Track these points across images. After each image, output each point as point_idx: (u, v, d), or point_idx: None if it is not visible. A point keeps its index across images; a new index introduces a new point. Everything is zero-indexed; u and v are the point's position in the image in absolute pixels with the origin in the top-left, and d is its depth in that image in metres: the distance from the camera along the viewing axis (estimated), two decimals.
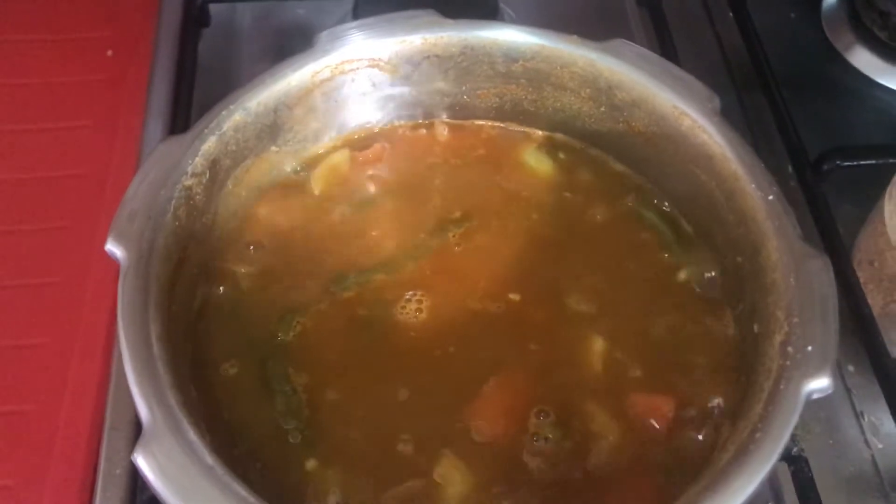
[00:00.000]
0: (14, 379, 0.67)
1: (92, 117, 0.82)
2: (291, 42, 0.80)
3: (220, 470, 0.38)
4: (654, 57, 0.52)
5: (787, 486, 0.51)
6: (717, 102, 0.50)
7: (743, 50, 0.75)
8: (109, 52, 0.88)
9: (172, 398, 0.39)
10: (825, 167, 0.62)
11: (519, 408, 0.45)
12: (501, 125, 0.57)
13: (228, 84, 0.78)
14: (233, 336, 0.48)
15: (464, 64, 0.54)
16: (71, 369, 0.66)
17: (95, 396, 0.65)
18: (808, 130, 0.66)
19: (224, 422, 0.45)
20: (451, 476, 0.43)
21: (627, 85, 0.51)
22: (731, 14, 0.79)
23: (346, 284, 0.49)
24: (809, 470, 0.50)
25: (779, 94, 0.68)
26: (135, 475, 0.55)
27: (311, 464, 0.45)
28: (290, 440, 0.45)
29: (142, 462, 0.38)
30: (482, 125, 0.57)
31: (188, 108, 0.75)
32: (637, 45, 0.52)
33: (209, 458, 0.38)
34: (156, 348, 0.41)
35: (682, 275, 0.51)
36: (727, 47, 0.78)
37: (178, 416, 0.39)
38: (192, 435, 0.38)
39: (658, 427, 0.46)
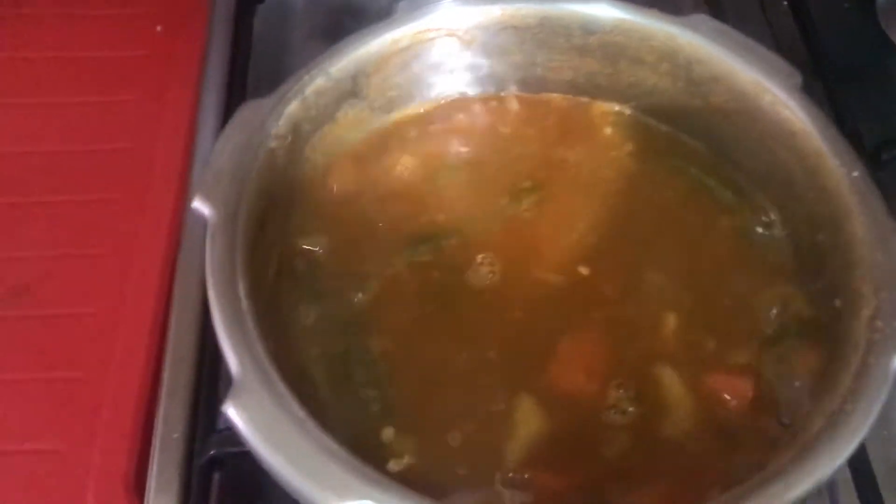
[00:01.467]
0: (63, 347, 0.68)
1: (141, 92, 0.83)
2: (344, 20, 0.80)
3: (311, 423, 0.38)
4: (735, 33, 0.51)
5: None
6: (798, 79, 0.49)
7: (797, 39, 0.75)
8: (159, 28, 0.88)
9: (262, 351, 0.39)
10: (883, 157, 0.62)
11: (596, 377, 0.45)
12: (574, 98, 0.57)
13: (281, 62, 0.78)
14: (309, 300, 0.48)
15: (540, 36, 0.54)
16: (119, 338, 0.67)
17: (143, 366, 0.66)
18: (863, 121, 0.66)
19: (304, 383, 0.45)
20: (528, 421, 0.43)
21: (707, 60, 0.51)
22: (784, 2, 0.79)
23: (420, 249, 0.50)
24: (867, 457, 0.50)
25: (834, 83, 0.68)
26: (192, 439, 0.56)
27: (388, 431, 0.44)
28: (369, 408, 0.45)
29: (233, 413, 0.38)
30: (554, 98, 0.57)
31: (243, 83, 0.75)
32: (717, 21, 0.52)
33: (300, 411, 0.38)
34: (244, 303, 0.41)
35: (757, 251, 0.51)
36: (780, 35, 0.78)
37: (268, 369, 0.39)
38: (282, 388, 0.39)
39: (735, 404, 0.46)
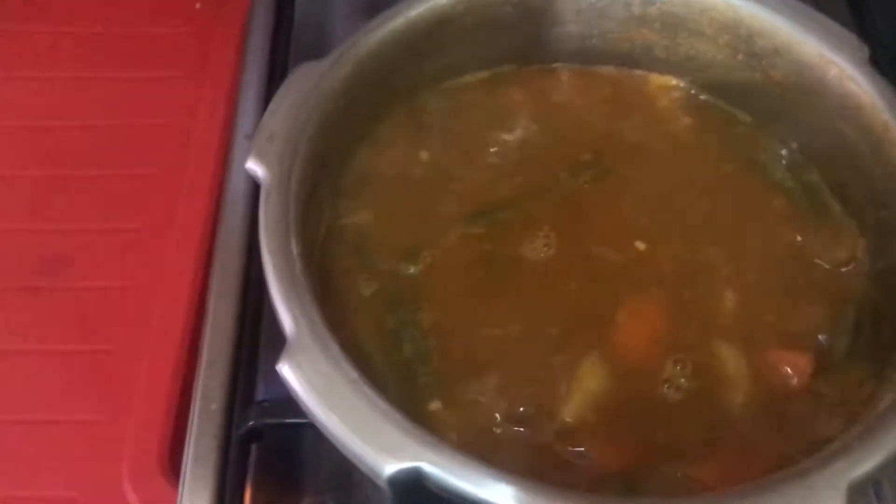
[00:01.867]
0: (99, 319, 0.68)
1: (181, 68, 0.84)
2: None
3: (365, 384, 0.37)
4: (799, 4, 0.50)
5: None
6: (866, 52, 0.48)
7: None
8: (198, 5, 0.89)
9: (316, 312, 0.39)
10: None
11: (652, 350, 0.44)
12: (629, 71, 0.56)
13: (322, 38, 0.78)
14: (359, 269, 0.47)
15: (599, 5, 0.53)
16: (155, 312, 0.67)
17: (179, 340, 0.66)
18: None
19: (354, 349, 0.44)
20: (583, 392, 0.43)
21: (770, 32, 0.50)
22: None
23: (476, 221, 0.49)
24: None
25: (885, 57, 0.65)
26: (230, 410, 0.55)
27: (435, 404, 0.44)
28: (417, 380, 0.45)
29: (287, 372, 0.37)
30: (610, 70, 0.56)
31: (285, 60, 0.74)
32: None
33: (353, 372, 0.37)
34: (297, 264, 0.40)
35: (817, 230, 0.50)
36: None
37: (322, 330, 0.38)
38: (336, 348, 0.38)
39: (795, 380, 0.44)
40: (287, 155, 0.43)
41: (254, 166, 0.43)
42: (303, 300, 0.39)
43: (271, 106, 0.45)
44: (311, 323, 0.38)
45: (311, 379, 0.37)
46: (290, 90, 0.45)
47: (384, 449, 0.35)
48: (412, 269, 0.48)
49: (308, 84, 0.46)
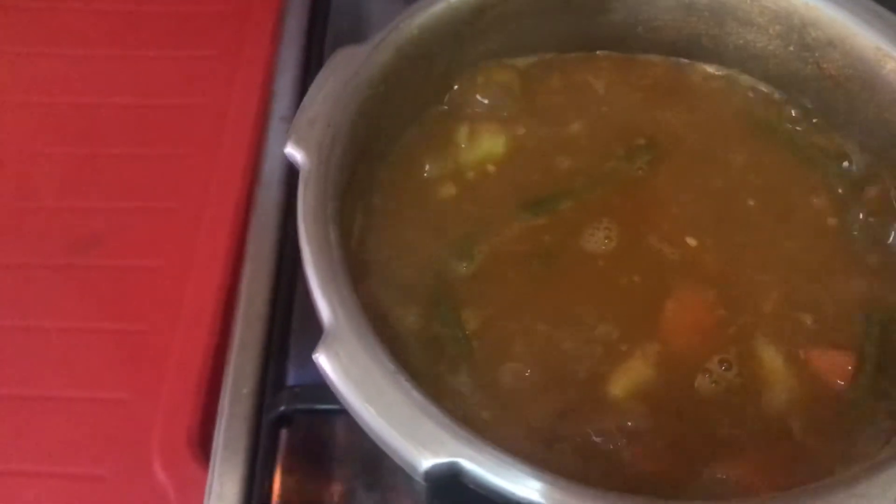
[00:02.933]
0: (131, 298, 0.68)
1: (216, 48, 0.83)
2: None
3: (404, 376, 0.36)
4: None
5: None
6: None
7: None
8: None
9: (354, 301, 0.38)
10: None
11: (698, 346, 0.44)
12: (675, 60, 0.55)
13: (359, 20, 0.77)
14: (395, 263, 0.47)
15: None
16: (187, 292, 0.67)
17: (211, 320, 0.66)
18: None
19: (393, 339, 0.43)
20: (627, 388, 0.42)
21: (824, 23, 0.48)
22: None
23: (534, 211, 0.48)
24: None
25: None
26: (261, 394, 0.55)
27: (475, 396, 0.43)
28: (458, 371, 0.44)
29: (324, 361, 0.37)
30: (655, 59, 0.55)
31: (322, 41, 0.74)
32: None
33: (391, 363, 0.37)
34: (335, 252, 0.40)
35: (869, 228, 0.48)
36: None
37: (361, 320, 0.38)
38: (374, 339, 0.37)
39: (838, 383, 0.43)
40: (326, 141, 0.42)
41: (293, 151, 0.42)
42: (341, 289, 0.38)
43: (311, 90, 0.44)
44: (349, 313, 0.38)
45: (348, 369, 0.36)
46: (330, 75, 0.44)
47: (421, 443, 0.35)
48: (464, 265, 0.47)
49: (348, 69, 0.45)
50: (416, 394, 0.36)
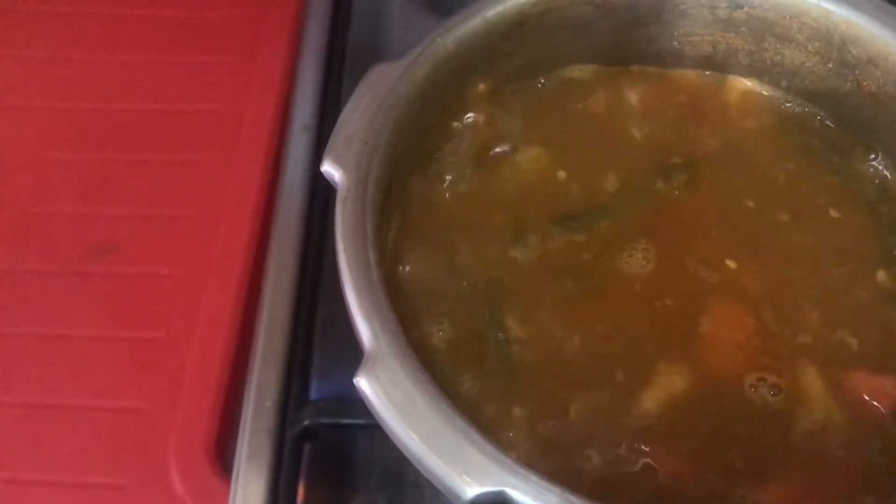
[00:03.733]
0: (147, 306, 0.68)
1: (233, 53, 0.82)
2: None
3: (447, 402, 0.36)
4: None
5: None
6: None
7: None
8: None
9: (395, 323, 0.38)
10: None
11: (736, 367, 0.44)
12: (711, 74, 0.54)
13: (380, 28, 0.77)
14: (431, 279, 0.46)
15: (682, 7, 0.51)
16: (203, 300, 0.67)
17: (228, 329, 0.65)
18: None
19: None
20: (660, 406, 0.42)
21: (866, 40, 0.48)
22: None
23: (565, 226, 0.47)
24: None
25: None
26: (284, 408, 0.55)
27: (514, 411, 0.43)
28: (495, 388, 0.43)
29: (365, 386, 0.36)
30: (690, 74, 0.54)
31: (343, 49, 0.73)
32: None
33: (435, 388, 0.36)
34: (375, 273, 0.39)
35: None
36: None
37: (402, 342, 0.37)
38: (417, 362, 0.37)
39: (878, 408, 0.43)
40: (364, 159, 0.42)
41: (331, 170, 0.42)
42: (382, 311, 0.38)
43: (347, 107, 0.44)
44: (390, 336, 0.37)
45: (390, 394, 0.36)
46: (367, 92, 0.44)
47: (466, 472, 0.34)
48: (504, 278, 0.46)
49: (384, 85, 0.44)
50: (459, 420, 0.36)
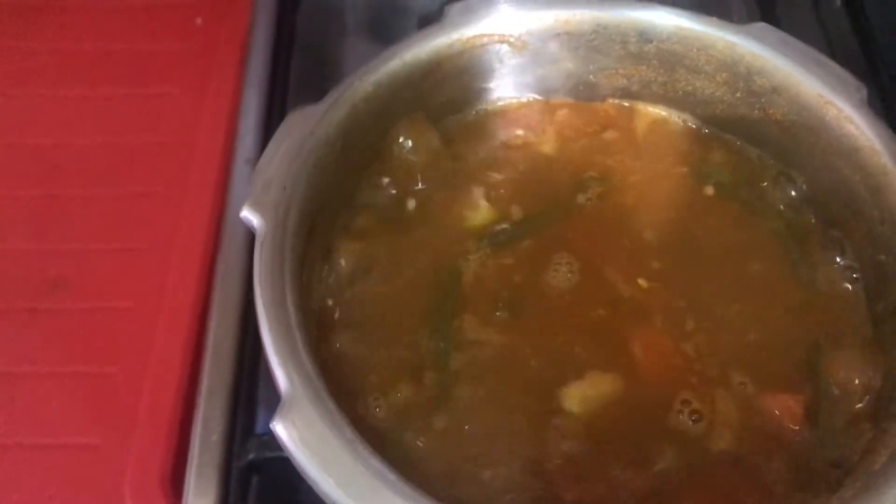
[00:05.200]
0: (101, 340, 0.68)
1: (180, 85, 0.83)
2: (387, 17, 0.79)
3: (362, 444, 0.37)
4: (799, 43, 0.50)
5: None
6: (864, 93, 0.48)
7: (852, 42, 0.72)
8: (199, 21, 0.88)
9: (312, 368, 0.39)
10: None
11: (652, 387, 0.45)
12: (629, 104, 0.56)
13: (324, 58, 0.78)
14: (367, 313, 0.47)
15: (595, 43, 0.52)
16: (157, 334, 0.67)
17: (181, 362, 0.66)
18: None
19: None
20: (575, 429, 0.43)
21: (769, 70, 0.49)
22: (838, 2, 0.76)
23: (492, 241, 0.49)
24: None
25: (892, 89, 0.66)
26: (230, 441, 0.56)
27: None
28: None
29: (281, 430, 0.37)
30: (608, 104, 0.56)
31: (285, 80, 0.74)
32: (780, 30, 0.50)
33: (350, 432, 0.37)
34: (293, 317, 0.40)
35: (814, 270, 0.49)
36: (834, 38, 0.76)
37: (318, 385, 0.38)
38: (332, 406, 0.38)
39: (787, 426, 0.44)
40: (283, 203, 0.43)
41: (249, 216, 0.43)
42: (298, 355, 0.39)
43: (266, 152, 0.45)
44: (306, 380, 0.38)
45: (305, 438, 0.37)
46: (286, 136, 0.45)
47: None
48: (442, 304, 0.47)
49: (304, 128, 0.45)
50: (374, 461, 0.37)
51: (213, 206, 0.73)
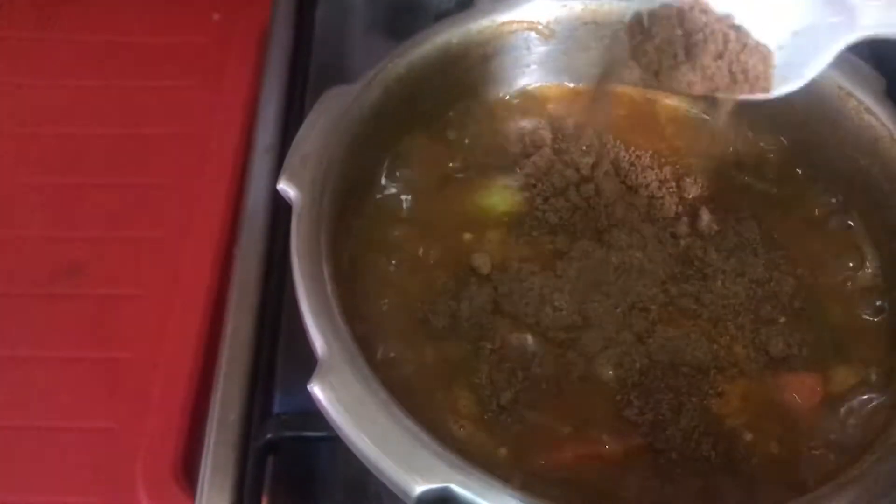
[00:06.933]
0: (115, 326, 0.69)
1: (196, 78, 0.84)
2: (404, 15, 0.80)
3: (396, 405, 0.38)
4: None
5: None
6: (883, 84, 0.49)
7: None
8: (216, 16, 0.89)
9: (347, 333, 0.39)
10: None
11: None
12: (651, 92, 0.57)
13: (341, 53, 0.79)
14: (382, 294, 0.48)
15: (622, 32, 0.53)
16: (170, 321, 0.68)
17: (194, 348, 0.66)
18: None
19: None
20: None
21: None
22: None
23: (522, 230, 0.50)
24: None
25: None
26: (248, 421, 0.56)
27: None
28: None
29: (319, 392, 0.38)
30: (628, 90, 0.57)
31: (305, 74, 0.75)
32: None
33: (384, 393, 0.38)
34: (329, 286, 0.41)
35: (834, 253, 0.50)
36: None
37: (354, 350, 0.39)
38: (367, 369, 0.39)
39: (805, 405, 0.45)
40: (319, 177, 0.44)
41: (286, 188, 0.44)
42: (334, 322, 0.40)
43: (303, 128, 0.46)
44: (343, 344, 0.39)
45: (342, 399, 0.38)
46: (322, 113, 0.46)
47: (414, 469, 0.36)
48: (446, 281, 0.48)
49: (339, 107, 0.46)
50: (407, 421, 0.38)
51: (227, 196, 0.74)
